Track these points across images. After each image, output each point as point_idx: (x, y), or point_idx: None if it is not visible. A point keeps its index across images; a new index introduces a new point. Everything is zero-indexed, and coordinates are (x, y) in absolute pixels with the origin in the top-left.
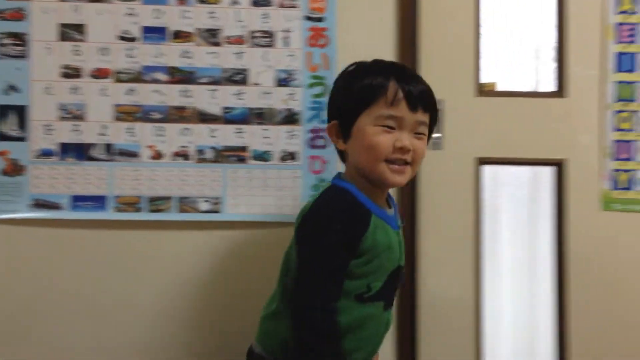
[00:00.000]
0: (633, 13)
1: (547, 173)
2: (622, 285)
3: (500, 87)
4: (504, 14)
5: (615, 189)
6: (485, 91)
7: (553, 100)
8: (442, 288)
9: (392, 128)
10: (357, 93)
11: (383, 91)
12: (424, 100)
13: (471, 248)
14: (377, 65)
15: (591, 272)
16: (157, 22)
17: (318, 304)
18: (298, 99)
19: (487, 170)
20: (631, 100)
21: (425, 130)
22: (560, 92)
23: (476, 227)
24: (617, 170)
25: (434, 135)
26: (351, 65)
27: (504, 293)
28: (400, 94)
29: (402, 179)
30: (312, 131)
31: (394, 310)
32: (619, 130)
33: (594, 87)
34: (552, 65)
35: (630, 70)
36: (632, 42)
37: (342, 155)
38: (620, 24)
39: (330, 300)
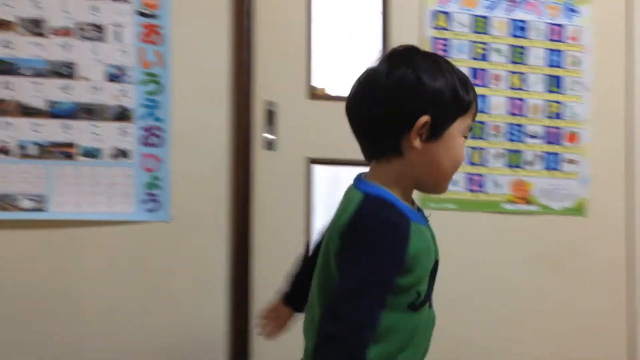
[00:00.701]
0: (445, 29)
1: None
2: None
3: (332, 92)
4: (335, 23)
5: None
6: (317, 95)
7: None
8: (276, 283)
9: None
10: (459, 93)
11: (475, 99)
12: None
13: (303, 243)
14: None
15: None
16: None
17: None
18: (131, 96)
19: (325, 170)
20: None
21: None
22: None
23: (307, 223)
24: None
25: (268, 136)
26: (428, 54)
27: None
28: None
29: None
30: (145, 129)
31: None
32: None
33: None
34: None
35: None
36: (446, 55)
37: (383, 152)
38: (435, 38)
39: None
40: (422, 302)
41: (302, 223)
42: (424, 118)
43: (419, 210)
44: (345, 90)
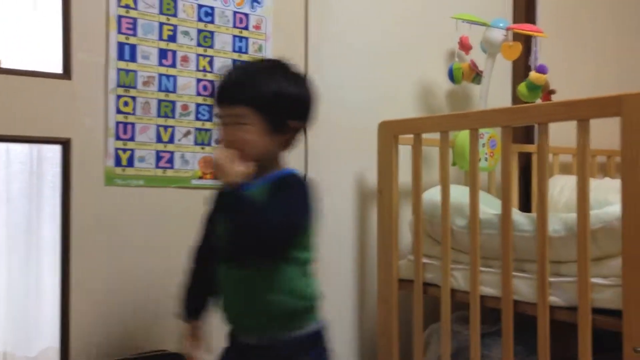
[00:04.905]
0: (133, 8)
1: (54, 151)
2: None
3: (4, 65)
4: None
5: (118, 166)
6: None
7: (60, 82)
8: None
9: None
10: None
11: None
12: (221, 95)
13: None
14: None
15: (95, 243)
16: None
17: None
18: None
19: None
20: (132, 87)
21: (243, 120)
22: (66, 75)
23: None
24: (119, 149)
25: None
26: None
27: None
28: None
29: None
30: None
31: None
32: (121, 113)
33: (99, 72)
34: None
35: (132, 60)
36: (133, 34)
37: None
38: (122, 16)
39: None
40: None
41: None
42: None
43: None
44: (23, 64)
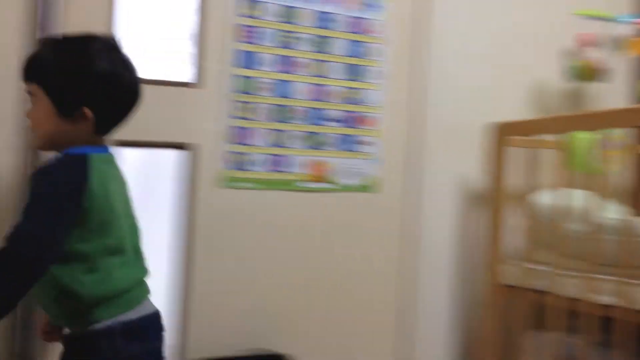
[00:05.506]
0: (252, 17)
1: (177, 155)
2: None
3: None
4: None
5: (234, 169)
6: None
7: (187, 90)
8: None
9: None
10: None
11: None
12: (25, 71)
13: None
14: None
15: (216, 243)
16: None
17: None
18: None
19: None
20: (250, 93)
21: (34, 98)
22: (194, 83)
23: None
24: (236, 152)
25: None
26: None
27: None
28: None
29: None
30: None
31: None
32: (239, 118)
33: (222, 80)
34: (185, 57)
35: (250, 67)
36: (252, 42)
37: None
38: (242, 25)
39: None
40: None
41: None
42: None
43: None
44: (155, 74)
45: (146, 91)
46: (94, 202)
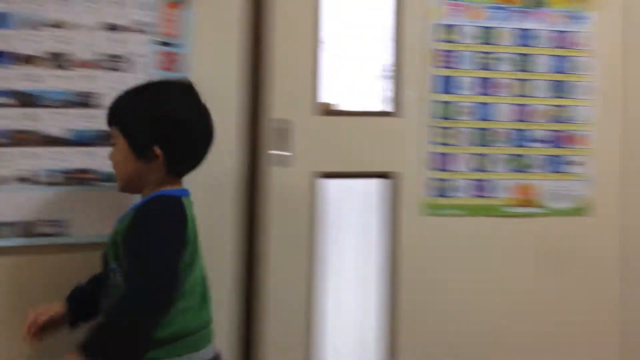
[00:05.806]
0: (448, 41)
1: (377, 184)
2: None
3: (341, 107)
4: (344, 42)
5: (437, 196)
6: (327, 110)
7: (388, 119)
8: (282, 292)
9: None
10: None
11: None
12: (108, 117)
13: (309, 254)
14: None
15: (420, 271)
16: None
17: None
18: None
19: (330, 183)
20: (449, 118)
21: (114, 140)
22: (395, 112)
23: (313, 236)
24: (438, 179)
25: (278, 152)
26: None
27: (343, 295)
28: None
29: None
30: None
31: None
32: (439, 144)
33: (421, 107)
34: (381, 86)
35: (448, 92)
36: (449, 66)
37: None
38: (439, 50)
39: None
40: None
41: (307, 235)
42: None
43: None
44: (355, 105)
45: (346, 123)
46: (188, 242)
